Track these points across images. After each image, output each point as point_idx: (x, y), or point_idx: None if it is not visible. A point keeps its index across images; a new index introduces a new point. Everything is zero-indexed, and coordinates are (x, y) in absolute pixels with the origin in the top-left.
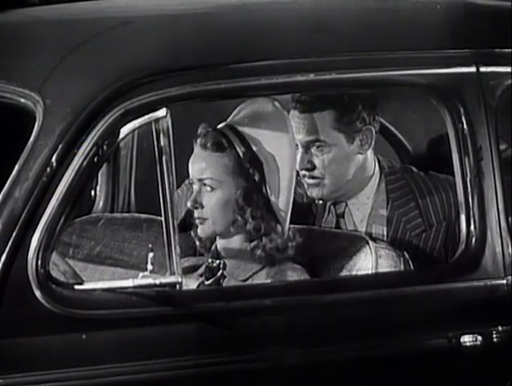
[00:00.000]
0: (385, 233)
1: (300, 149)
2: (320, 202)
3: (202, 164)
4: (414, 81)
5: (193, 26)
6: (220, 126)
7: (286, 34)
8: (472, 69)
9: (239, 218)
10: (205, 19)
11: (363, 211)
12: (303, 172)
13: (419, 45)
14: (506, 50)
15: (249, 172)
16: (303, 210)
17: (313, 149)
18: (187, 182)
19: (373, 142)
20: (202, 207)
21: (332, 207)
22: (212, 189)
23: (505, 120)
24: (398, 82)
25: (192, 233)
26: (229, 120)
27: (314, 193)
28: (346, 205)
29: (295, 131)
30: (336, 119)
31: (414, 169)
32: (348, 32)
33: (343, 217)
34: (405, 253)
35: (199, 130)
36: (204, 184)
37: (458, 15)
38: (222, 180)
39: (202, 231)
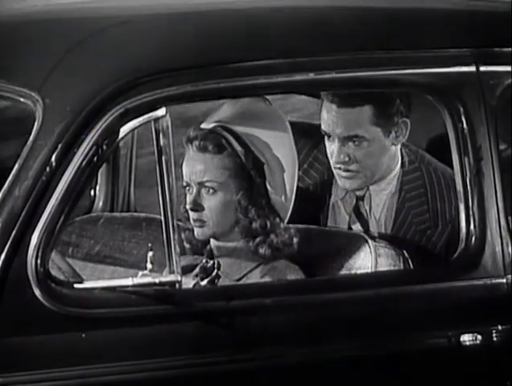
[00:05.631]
0: (391, 223)
1: (337, 143)
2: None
3: (201, 166)
4: (414, 81)
5: (192, 26)
6: (212, 127)
7: (285, 33)
8: (472, 69)
9: (242, 218)
10: (205, 19)
11: (381, 196)
12: (339, 165)
13: (419, 44)
14: (506, 49)
15: (250, 171)
16: (323, 189)
17: (350, 143)
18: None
19: (407, 133)
20: (202, 210)
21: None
22: (214, 191)
23: (505, 119)
24: (398, 81)
25: (188, 235)
26: (214, 120)
27: (347, 185)
28: (368, 189)
29: (331, 124)
30: (376, 114)
31: (439, 163)
32: (348, 31)
33: (362, 200)
34: (404, 252)
35: (190, 132)
36: (205, 187)
37: (458, 14)
38: (223, 182)
39: (201, 233)
